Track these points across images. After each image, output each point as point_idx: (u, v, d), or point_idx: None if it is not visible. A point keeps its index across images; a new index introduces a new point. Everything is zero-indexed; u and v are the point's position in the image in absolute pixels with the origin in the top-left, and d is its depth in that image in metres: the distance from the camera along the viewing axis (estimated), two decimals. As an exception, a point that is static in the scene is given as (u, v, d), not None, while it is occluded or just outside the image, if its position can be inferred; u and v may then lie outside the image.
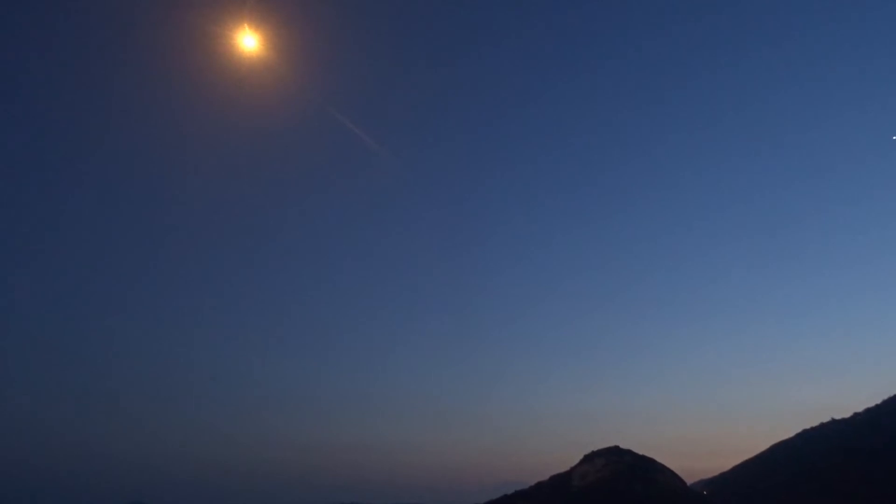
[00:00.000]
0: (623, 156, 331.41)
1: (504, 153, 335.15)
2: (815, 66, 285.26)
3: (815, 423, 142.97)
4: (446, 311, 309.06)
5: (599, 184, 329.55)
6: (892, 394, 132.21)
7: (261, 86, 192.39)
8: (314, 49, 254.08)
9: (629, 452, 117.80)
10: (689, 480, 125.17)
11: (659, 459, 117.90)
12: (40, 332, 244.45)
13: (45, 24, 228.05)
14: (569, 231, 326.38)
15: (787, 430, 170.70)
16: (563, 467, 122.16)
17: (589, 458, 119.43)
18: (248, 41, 72.48)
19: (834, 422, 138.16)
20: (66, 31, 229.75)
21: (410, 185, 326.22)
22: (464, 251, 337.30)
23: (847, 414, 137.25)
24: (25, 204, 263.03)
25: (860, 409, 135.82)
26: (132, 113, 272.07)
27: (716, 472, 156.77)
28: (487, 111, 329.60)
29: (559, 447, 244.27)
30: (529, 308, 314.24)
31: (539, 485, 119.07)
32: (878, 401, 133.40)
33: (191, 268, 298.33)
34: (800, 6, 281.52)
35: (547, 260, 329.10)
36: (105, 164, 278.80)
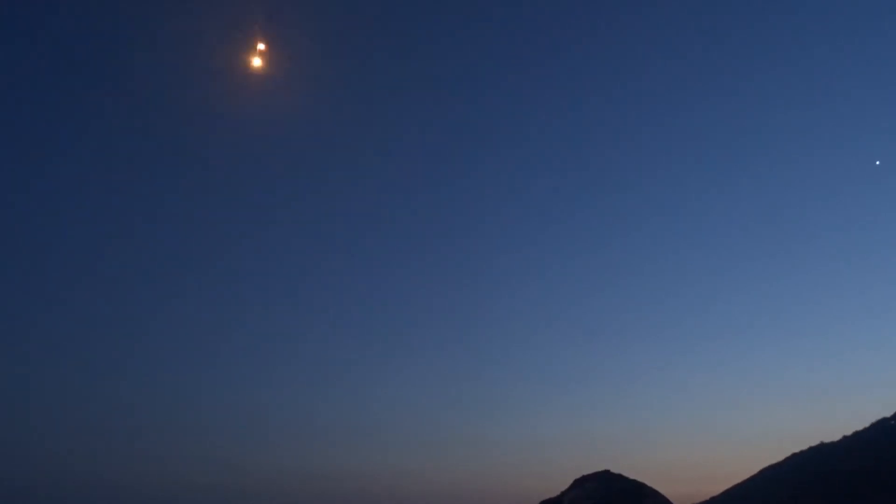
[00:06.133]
0: (618, 181, 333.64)
1: (504, 168, 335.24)
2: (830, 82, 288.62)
3: (804, 446, 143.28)
4: (439, 335, 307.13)
5: (593, 209, 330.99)
6: (880, 417, 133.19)
7: (259, 94, 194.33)
8: (310, 60, 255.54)
9: (620, 477, 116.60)
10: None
11: (650, 484, 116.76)
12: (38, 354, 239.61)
13: (48, 33, 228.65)
14: (565, 256, 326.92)
15: (777, 453, 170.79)
16: (554, 492, 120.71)
17: (579, 483, 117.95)
18: (255, 60, 74.40)
19: (823, 445, 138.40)
20: (69, 36, 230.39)
21: (406, 196, 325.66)
22: (459, 274, 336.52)
23: (836, 437, 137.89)
24: (32, 217, 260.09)
25: (849, 432, 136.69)
26: (134, 124, 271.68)
27: (706, 497, 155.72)
28: (491, 119, 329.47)
29: (549, 471, 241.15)
30: (523, 331, 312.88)
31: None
32: (867, 423, 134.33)
33: (188, 276, 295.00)
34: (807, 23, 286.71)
35: (541, 282, 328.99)
36: (106, 172, 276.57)
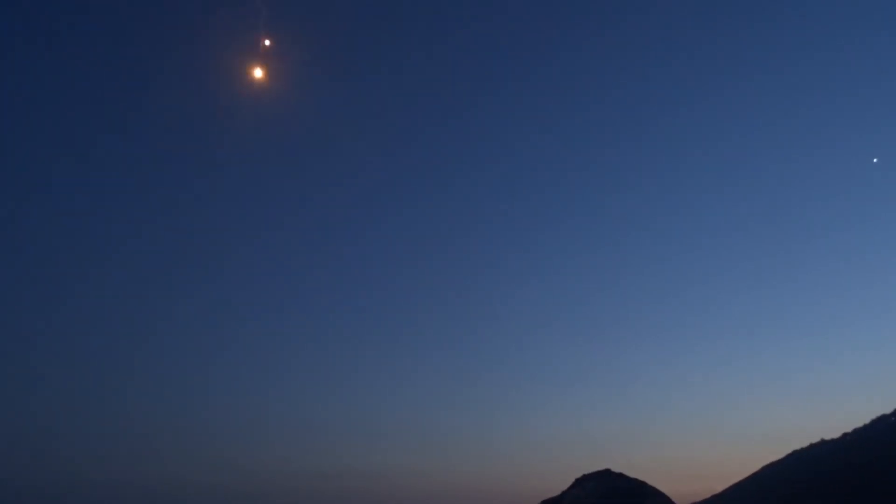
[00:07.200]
0: (618, 181, 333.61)
1: (505, 166, 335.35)
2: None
3: (804, 443, 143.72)
4: (439, 335, 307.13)
5: (593, 209, 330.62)
6: (879, 414, 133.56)
7: (261, 102, 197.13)
8: (312, 67, 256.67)
9: (621, 476, 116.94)
10: (680, 503, 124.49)
11: (651, 482, 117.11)
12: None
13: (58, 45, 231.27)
14: (565, 256, 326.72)
15: (778, 451, 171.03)
16: (555, 491, 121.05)
17: (580, 482, 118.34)
18: (257, 70, 76.24)
19: (824, 442, 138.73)
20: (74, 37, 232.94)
21: (406, 198, 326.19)
22: (459, 275, 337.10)
23: (837, 434, 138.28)
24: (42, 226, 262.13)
25: (849, 429, 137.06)
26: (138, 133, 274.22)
27: (707, 495, 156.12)
28: (491, 114, 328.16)
29: (550, 471, 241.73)
30: (523, 331, 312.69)
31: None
32: (867, 420, 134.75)
33: (190, 278, 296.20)
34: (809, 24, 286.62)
35: (542, 282, 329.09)
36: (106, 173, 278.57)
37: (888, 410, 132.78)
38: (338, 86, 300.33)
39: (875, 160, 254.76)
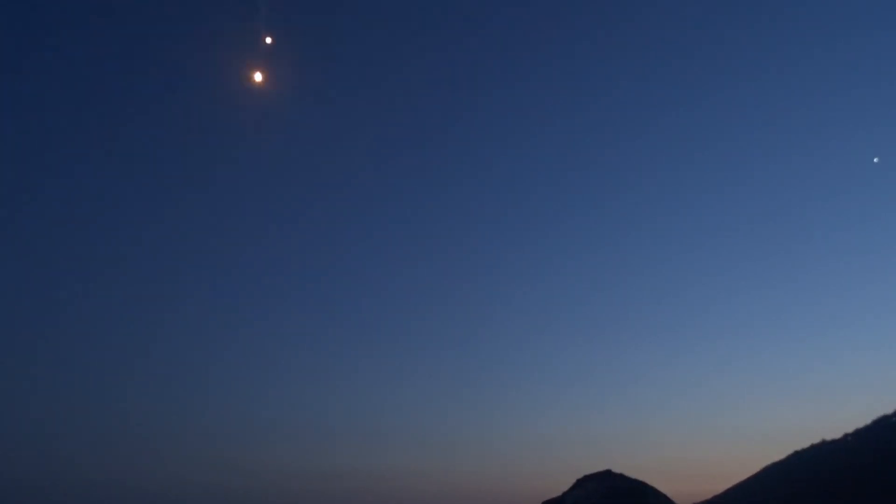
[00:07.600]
0: (618, 181, 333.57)
1: (506, 166, 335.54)
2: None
3: (805, 444, 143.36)
4: (440, 335, 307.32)
5: (593, 209, 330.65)
6: (881, 414, 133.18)
7: (261, 105, 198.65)
8: (310, 69, 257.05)
9: (622, 476, 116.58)
10: (681, 503, 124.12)
11: (651, 483, 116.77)
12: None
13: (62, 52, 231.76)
14: (565, 256, 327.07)
15: (779, 451, 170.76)
16: (556, 492, 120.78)
17: (581, 483, 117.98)
18: (257, 74, 76.39)
19: (825, 443, 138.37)
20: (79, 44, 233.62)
21: (407, 198, 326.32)
22: (460, 275, 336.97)
23: (838, 435, 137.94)
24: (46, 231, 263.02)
25: (850, 429, 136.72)
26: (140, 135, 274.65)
27: (708, 495, 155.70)
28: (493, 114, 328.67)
29: (551, 471, 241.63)
30: (523, 331, 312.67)
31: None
32: (868, 421, 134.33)
33: (192, 279, 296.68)
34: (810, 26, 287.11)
35: (542, 283, 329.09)
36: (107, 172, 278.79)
37: (889, 411, 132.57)
38: (337, 87, 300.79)
39: (875, 160, 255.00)
